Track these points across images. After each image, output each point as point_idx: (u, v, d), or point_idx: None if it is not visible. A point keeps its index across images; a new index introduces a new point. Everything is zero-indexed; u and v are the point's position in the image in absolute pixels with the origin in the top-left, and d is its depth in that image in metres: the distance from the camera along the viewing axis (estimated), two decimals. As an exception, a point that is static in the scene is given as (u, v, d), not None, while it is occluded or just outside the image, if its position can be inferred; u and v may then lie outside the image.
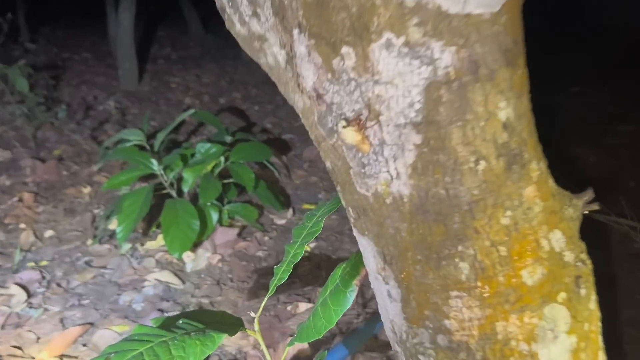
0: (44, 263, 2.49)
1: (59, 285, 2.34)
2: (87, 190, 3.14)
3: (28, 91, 3.51)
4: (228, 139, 2.73)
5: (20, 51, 5.70)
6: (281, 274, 0.99)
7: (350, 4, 0.54)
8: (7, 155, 3.57)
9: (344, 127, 0.58)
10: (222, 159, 2.49)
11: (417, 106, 0.56)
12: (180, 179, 2.49)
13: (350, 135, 0.58)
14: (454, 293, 0.62)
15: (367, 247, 0.71)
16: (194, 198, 2.53)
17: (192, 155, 2.46)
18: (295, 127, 4.03)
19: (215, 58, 5.92)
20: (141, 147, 2.63)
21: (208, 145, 2.44)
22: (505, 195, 0.59)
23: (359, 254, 0.89)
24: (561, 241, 0.62)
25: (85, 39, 6.89)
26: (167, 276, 2.39)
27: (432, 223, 0.60)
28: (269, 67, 0.74)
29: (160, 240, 2.59)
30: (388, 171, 0.61)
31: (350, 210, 0.71)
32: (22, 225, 2.77)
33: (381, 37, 0.54)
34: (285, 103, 4.64)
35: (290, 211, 2.90)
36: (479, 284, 0.61)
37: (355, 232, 0.74)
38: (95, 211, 2.93)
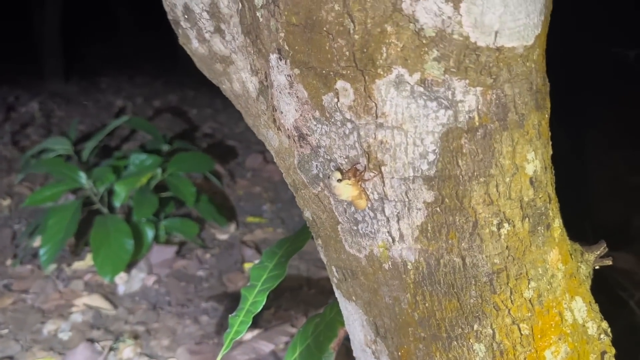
0: (-47, 287, 2.21)
1: (-29, 313, 2.08)
2: (6, 202, 2.85)
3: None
4: (165, 147, 2.54)
5: None
6: (238, 326, 0.86)
7: (352, 29, 0.42)
8: None
9: (339, 180, 0.46)
10: (159, 170, 2.31)
11: (431, 157, 0.45)
12: (112, 193, 2.28)
13: (346, 190, 0.46)
14: (466, 378, 0.51)
15: (353, 314, 0.59)
16: (128, 213, 2.33)
17: (125, 167, 2.26)
18: (237, 133, 3.87)
19: (150, 57, 5.62)
20: (68, 157, 2.40)
21: (143, 156, 2.25)
22: (530, 263, 0.49)
23: (335, 307, 0.77)
24: (583, 310, 0.54)
25: (8, 33, 6.39)
26: (97, 300, 2.17)
27: (443, 296, 0.50)
28: (234, 95, 0.61)
29: (89, 260, 2.36)
30: (389, 232, 0.50)
31: (334, 269, 0.59)
32: None
33: (390, 73, 0.43)
34: (226, 107, 4.45)
35: (234, 225, 2.74)
36: (496, 367, 0.51)
37: (337, 294, 0.62)
38: (16, 227, 2.65)
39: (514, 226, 0.48)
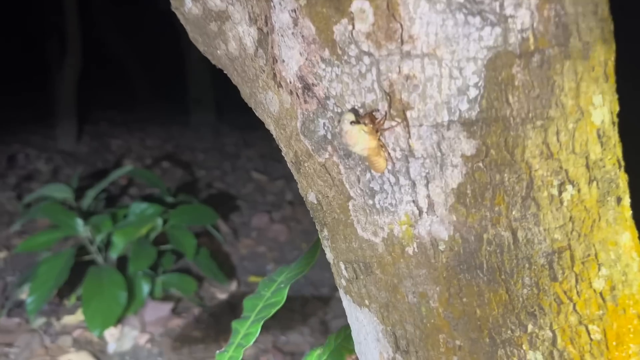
0: None
1: (-52, 367, 1.92)
2: (2, 254, 2.74)
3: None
4: (169, 199, 2.45)
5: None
6: (227, 362, 0.72)
7: None
8: None
9: (351, 123, 0.36)
10: (160, 221, 2.20)
11: (473, 93, 0.35)
12: (109, 243, 2.17)
13: (362, 139, 0.36)
14: (517, 402, 0.38)
15: (365, 325, 0.47)
16: (124, 265, 2.21)
17: (125, 216, 2.16)
18: (245, 194, 3.79)
19: (162, 122, 5.69)
20: (70, 207, 2.31)
21: (144, 205, 2.15)
22: (599, 244, 0.38)
23: (340, 335, 0.64)
24: (665, 318, 0.41)
25: (27, 95, 6.54)
26: (85, 358, 2.01)
27: (486, 287, 0.38)
28: (229, 60, 0.52)
29: (80, 315, 2.22)
30: (415, 201, 0.39)
31: (343, 266, 0.47)
32: None
33: (420, -21, 0.34)
34: (234, 170, 4.42)
35: (235, 284, 2.59)
36: (558, 387, 0.37)
37: (346, 302, 0.49)
38: (9, 279, 2.53)
39: (579, 190, 0.37)
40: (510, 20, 0.34)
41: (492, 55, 0.34)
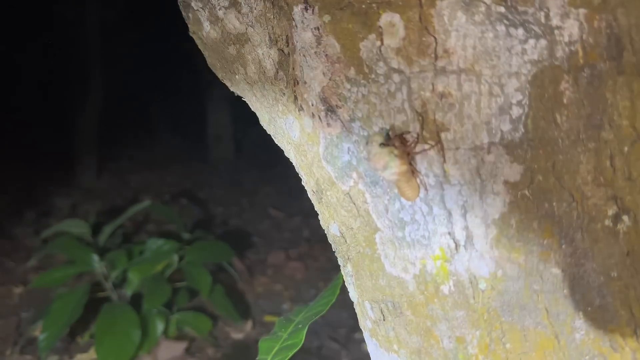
0: (-56, 377, 2.03)
1: (-43, 407, 1.88)
2: (18, 290, 2.73)
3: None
4: (186, 235, 2.42)
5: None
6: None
7: None
8: None
9: (380, 145, 0.32)
10: (176, 257, 2.17)
11: (516, 112, 0.31)
12: (124, 280, 2.14)
13: (391, 162, 0.32)
14: None
15: (394, 372, 0.42)
16: (139, 302, 2.17)
17: (141, 252, 2.13)
18: (261, 230, 3.76)
19: (182, 160, 5.74)
20: (87, 244, 2.30)
21: (160, 241, 2.13)
22: (662, 283, 0.33)
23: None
24: None
25: (48, 131, 6.66)
26: (95, 398, 1.96)
27: (533, 330, 0.33)
28: (248, 84, 0.49)
29: (93, 353, 2.17)
30: (450, 233, 0.35)
31: (368, 306, 0.43)
32: None
33: (457, -11, 0.31)
34: (252, 205, 4.40)
35: (250, 323, 2.53)
36: None
37: (372, 347, 0.45)
38: (24, 315, 2.51)
39: (636, 221, 0.33)
40: (557, 31, 0.31)
41: (537, 71, 0.31)
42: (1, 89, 5.28)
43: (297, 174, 0.48)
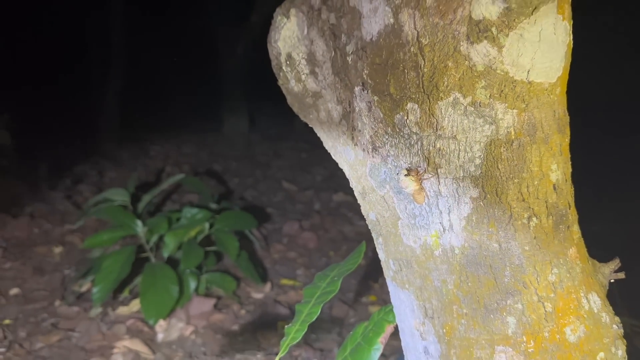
0: (7, 322, 2.35)
1: (21, 346, 2.20)
2: (58, 249, 3.03)
3: (9, 143, 3.47)
4: (213, 205, 2.72)
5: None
6: (294, 333, 0.97)
7: (423, 64, 0.59)
8: (-24, 208, 3.44)
9: (405, 175, 0.61)
10: (207, 225, 2.48)
11: (477, 161, 0.60)
12: (160, 243, 2.45)
13: (410, 184, 0.61)
14: (499, 348, 0.63)
15: (405, 302, 0.72)
16: (172, 263, 2.48)
17: (178, 219, 2.43)
18: (275, 202, 4.05)
19: (196, 129, 5.98)
20: (125, 208, 2.60)
21: (195, 210, 2.43)
22: (553, 253, 0.62)
23: (381, 312, 0.89)
24: (598, 303, 0.65)
25: (75, 104, 6.91)
26: (137, 345, 2.28)
27: (483, 276, 0.63)
28: (319, 122, 0.78)
29: (132, 307, 2.49)
30: (441, 222, 0.64)
31: (391, 263, 0.72)
32: (-14, 280, 2.63)
33: (449, 96, 0.59)
34: (266, 178, 4.68)
35: (269, 285, 2.85)
36: (524, 338, 0.62)
37: (391, 287, 0.75)
38: (66, 272, 2.82)
39: (540, 221, 0.61)
40: (500, 121, 0.59)
41: (489, 141, 0.60)
42: (31, 66, 5.51)
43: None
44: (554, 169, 0.62)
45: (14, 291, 2.60)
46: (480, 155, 0.60)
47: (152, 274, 2.25)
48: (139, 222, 2.33)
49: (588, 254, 0.69)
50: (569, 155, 0.65)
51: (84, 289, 2.59)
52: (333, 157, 0.80)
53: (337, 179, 4.52)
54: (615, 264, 0.72)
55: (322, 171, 4.84)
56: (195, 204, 2.80)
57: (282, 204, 4.03)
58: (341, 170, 0.77)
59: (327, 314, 2.64)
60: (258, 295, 2.78)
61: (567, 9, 0.59)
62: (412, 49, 0.60)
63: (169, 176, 4.40)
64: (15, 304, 2.50)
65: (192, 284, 2.42)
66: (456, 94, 0.59)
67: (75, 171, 4.36)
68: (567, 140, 0.64)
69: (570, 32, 0.60)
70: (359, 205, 0.76)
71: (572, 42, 0.61)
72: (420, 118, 0.62)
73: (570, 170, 0.65)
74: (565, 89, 0.63)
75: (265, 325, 2.56)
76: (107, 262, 2.21)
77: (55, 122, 5.32)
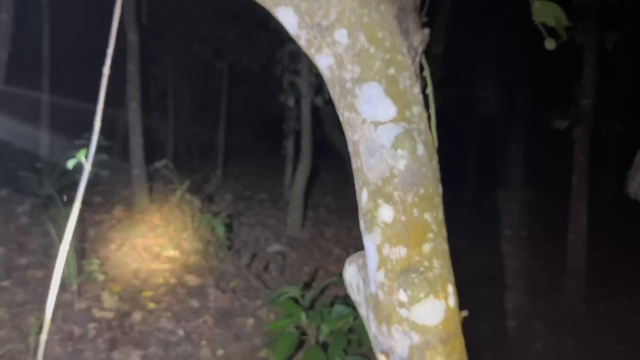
0: (214, 377, 3.40)
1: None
2: (251, 321, 4.10)
3: (223, 236, 4.73)
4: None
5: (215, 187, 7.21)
6: None
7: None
8: (198, 282, 4.71)
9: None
10: (351, 318, 3.30)
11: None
12: (318, 329, 3.33)
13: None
14: None
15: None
16: (324, 346, 3.33)
17: (329, 313, 3.30)
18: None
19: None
20: (296, 300, 3.56)
21: (342, 307, 3.28)
22: None
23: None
24: None
25: (265, 178, 8.32)
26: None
27: None
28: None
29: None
30: None
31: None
32: (204, 342, 3.76)
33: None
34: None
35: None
36: None
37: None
38: (254, 340, 3.85)
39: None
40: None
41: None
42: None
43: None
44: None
45: (220, 352, 3.68)
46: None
47: (310, 354, 3.12)
48: (303, 314, 3.25)
49: None
50: None
51: (262, 354, 3.57)
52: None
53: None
54: None
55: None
56: (342, 300, 3.65)
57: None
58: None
59: None
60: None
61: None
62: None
63: (337, 259, 5.34)
64: (220, 363, 3.57)
65: (338, 363, 3.22)
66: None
67: (265, 251, 5.51)
68: None
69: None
70: None
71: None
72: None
73: None
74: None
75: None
76: (281, 341, 3.14)
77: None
